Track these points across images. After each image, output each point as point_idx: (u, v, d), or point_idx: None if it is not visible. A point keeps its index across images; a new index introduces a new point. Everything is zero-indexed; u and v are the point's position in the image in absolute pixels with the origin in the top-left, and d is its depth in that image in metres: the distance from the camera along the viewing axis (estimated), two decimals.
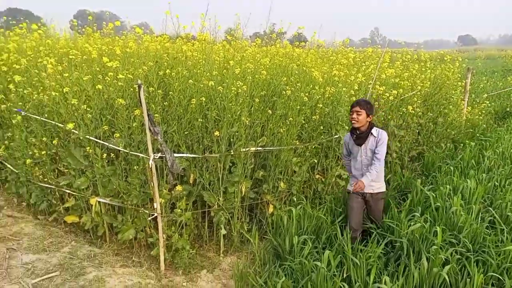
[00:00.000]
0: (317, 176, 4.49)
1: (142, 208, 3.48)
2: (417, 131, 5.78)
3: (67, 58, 4.09)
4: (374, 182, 3.46)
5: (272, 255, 3.54)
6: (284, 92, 3.82)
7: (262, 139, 3.92)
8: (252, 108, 3.69)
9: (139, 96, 2.98)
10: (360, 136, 3.44)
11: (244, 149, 3.60)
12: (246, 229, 3.90)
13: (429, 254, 2.92)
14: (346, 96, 4.31)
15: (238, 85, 3.35)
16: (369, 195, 3.50)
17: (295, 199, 4.09)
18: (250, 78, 3.61)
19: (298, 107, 3.83)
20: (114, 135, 3.38)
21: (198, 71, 3.71)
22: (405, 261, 2.99)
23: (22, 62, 3.95)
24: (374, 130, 3.44)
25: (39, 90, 3.63)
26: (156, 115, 3.33)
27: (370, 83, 4.82)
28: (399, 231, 3.35)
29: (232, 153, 3.57)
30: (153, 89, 3.53)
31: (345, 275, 2.84)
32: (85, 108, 3.32)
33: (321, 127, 4.25)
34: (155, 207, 3.25)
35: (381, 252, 3.27)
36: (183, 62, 3.88)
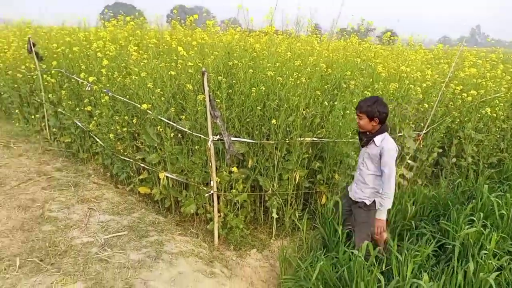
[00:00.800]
0: None
1: (202, 186, 3.81)
2: (499, 136, 5.36)
3: (151, 47, 4.59)
4: (358, 187, 3.12)
5: (320, 243, 3.64)
6: (344, 85, 3.86)
7: (321, 131, 4.02)
8: (311, 100, 3.80)
9: (203, 82, 3.28)
10: (361, 138, 3.08)
11: (299, 139, 3.74)
12: (298, 216, 4.04)
13: (480, 259, 2.80)
14: (414, 93, 4.20)
15: (296, 76, 3.48)
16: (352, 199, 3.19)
17: None
18: (309, 70, 3.71)
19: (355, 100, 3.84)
20: (182, 117, 3.75)
21: (262, 62, 3.92)
22: (453, 264, 2.89)
23: (112, 49, 4.54)
24: (377, 138, 2.95)
25: (124, 74, 4.15)
26: (218, 100, 3.60)
27: (444, 81, 4.60)
28: (453, 234, 3.23)
29: (287, 141, 3.73)
30: (221, 77, 3.83)
31: (384, 269, 2.85)
32: (159, 91, 3.74)
33: None
34: (211, 185, 3.56)
35: (433, 254, 3.21)
36: (250, 54, 4.12)
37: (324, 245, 3.59)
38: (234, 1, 4.77)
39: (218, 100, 3.61)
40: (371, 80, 4.06)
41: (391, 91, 4.16)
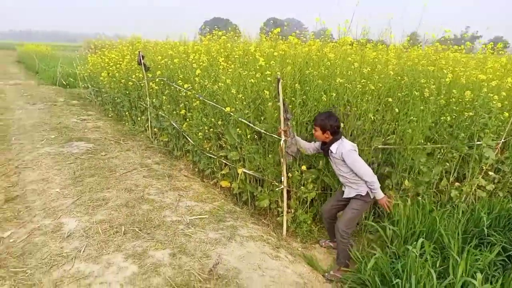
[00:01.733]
0: (452, 182, 4.41)
1: (275, 182, 4.22)
2: None
3: (237, 58, 5.18)
4: (349, 187, 3.47)
5: (381, 242, 3.79)
6: (416, 93, 3.97)
7: (391, 137, 4.17)
8: (380, 105, 3.99)
9: (277, 88, 3.70)
10: (323, 148, 3.54)
11: (371, 145, 3.95)
12: (364, 216, 4.21)
13: None
14: (493, 102, 4.12)
15: (363, 83, 3.73)
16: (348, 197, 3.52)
17: (420, 199, 4.16)
18: (377, 77, 3.91)
19: (432, 108, 3.92)
20: (260, 120, 4.22)
21: (335, 70, 4.22)
22: None
23: (204, 60, 5.23)
24: (332, 147, 3.39)
25: (213, 81, 4.77)
26: (290, 106, 3.99)
27: None
28: None
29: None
30: (297, 85, 4.22)
31: (439, 268, 2.94)
32: (241, 96, 4.26)
33: (460, 132, 4.18)
34: (282, 181, 3.95)
35: (500, 263, 3.19)
36: (324, 63, 4.44)
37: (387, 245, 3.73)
38: (326, 14, 5.08)
39: (290, 106, 4.00)
40: (445, 88, 4.10)
41: (467, 99, 4.14)
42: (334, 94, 3.93)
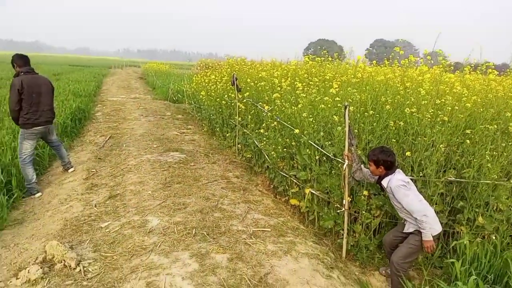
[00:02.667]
0: None
1: (338, 204, 4.34)
2: None
3: (314, 83, 5.45)
4: (408, 222, 3.48)
5: (444, 278, 3.65)
6: (495, 127, 3.78)
7: (467, 171, 3.99)
8: (452, 137, 3.88)
9: (345, 115, 3.88)
10: (378, 183, 3.60)
11: (439, 177, 3.85)
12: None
13: None
14: None
15: (432, 113, 3.69)
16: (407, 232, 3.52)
17: (493, 237, 3.89)
18: (450, 108, 3.82)
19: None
20: (327, 143, 4.41)
21: (406, 99, 4.23)
22: None
23: (286, 84, 5.61)
24: (384, 181, 3.48)
25: (291, 104, 5.11)
26: (356, 131, 4.11)
27: None
28: None
29: (420, 177, 3.90)
30: (368, 113, 4.33)
31: None
32: (312, 120, 4.51)
33: None
34: (343, 203, 4.06)
35: None
36: (398, 91, 4.47)
37: (449, 280, 3.57)
38: (438, 35, 5.01)
39: (356, 131, 4.12)
40: None
41: None
42: (402, 123, 3.95)
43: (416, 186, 3.95)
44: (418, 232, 3.39)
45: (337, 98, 4.33)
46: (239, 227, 4.20)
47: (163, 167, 6.27)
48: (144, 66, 41.83)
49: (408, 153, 3.88)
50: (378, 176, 3.61)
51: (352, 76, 5.34)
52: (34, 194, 5.42)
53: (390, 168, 3.47)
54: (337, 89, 4.54)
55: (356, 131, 4.21)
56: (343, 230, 4.35)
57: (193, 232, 3.97)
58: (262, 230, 4.17)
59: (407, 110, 3.93)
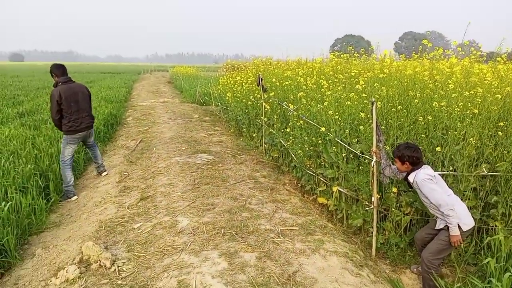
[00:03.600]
0: None
1: (367, 202, 4.29)
2: None
3: (339, 79, 5.39)
4: (439, 219, 3.41)
5: (479, 275, 3.54)
6: None
7: (502, 164, 3.85)
8: (484, 130, 3.75)
9: (372, 111, 3.83)
10: (405, 179, 3.56)
11: (471, 171, 3.74)
12: (463, 248, 3.95)
13: None
14: None
15: (462, 106, 3.58)
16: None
17: None
18: (479, 100, 3.70)
19: None
20: (354, 140, 4.36)
21: (438, 91, 4.12)
22: None
23: (311, 82, 5.59)
24: (410, 177, 3.45)
25: (316, 102, 5.09)
26: (383, 127, 4.05)
27: None
28: None
29: (450, 172, 3.79)
30: (395, 109, 4.25)
31: None
32: (338, 118, 4.48)
33: None
34: (372, 201, 4.01)
35: None
36: (427, 85, 4.36)
37: (484, 277, 3.46)
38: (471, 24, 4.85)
39: (383, 127, 4.05)
40: None
41: None
42: (430, 118, 3.85)
43: (447, 181, 3.85)
44: (448, 228, 3.31)
45: (364, 95, 4.28)
46: (267, 226, 4.22)
47: (192, 168, 6.39)
48: (172, 70, 42.65)
49: (438, 148, 3.79)
50: (405, 173, 3.54)
51: (379, 71, 5.25)
52: (70, 197, 5.66)
53: (416, 164, 3.42)
54: (363, 85, 4.49)
55: (384, 127, 4.15)
56: (372, 228, 4.30)
57: (222, 232, 4.04)
58: (290, 229, 4.18)
59: (436, 104, 3.83)
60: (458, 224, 3.26)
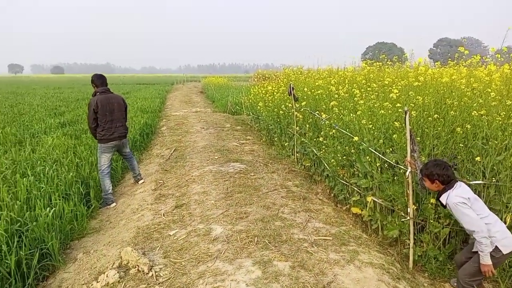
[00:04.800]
0: None
1: (403, 213, 4.20)
2: None
3: (373, 88, 5.34)
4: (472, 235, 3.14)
5: None
6: None
7: None
8: None
9: (405, 120, 3.77)
10: (437, 199, 3.37)
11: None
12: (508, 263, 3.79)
13: None
14: None
15: (504, 115, 3.47)
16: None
17: None
18: None
19: None
20: (388, 150, 4.30)
21: (477, 100, 4.01)
22: None
23: (344, 91, 5.57)
24: (442, 198, 3.23)
25: (348, 112, 5.07)
26: (418, 138, 3.97)
27: None
28: None
29: (495, 182, 3.66)
30: (431, 118, 4.16)
31: None
32: (370, 127, 4.44)
33: None
34: (408, 211, 3.92)
35: None
36: (464, 94, 4.25)
37: None
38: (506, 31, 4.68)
39: (418, 138, 3.98)
40: None
41: None
42: (469, 127, 3.75)
43: (489, 193, 3.73)
44: None
45: (398, 104, 4.22)
46: (300, 235, 4.22)
47: (225, 177, 6.48)
48: (204, 80, 43.49)
49: (477, 158, 3.67)
50: (437, 192, 3.39)
51: (414, 79, 5.16)
52: (109, 204, 5.88)
53: (447, 182, 3.22)
54: (397, 94, 4.43)
55: (419, 137, 4.07)
56: (409, 239, 4.20)
57: (255, 240, 4.07)
58: (324, 239, 4.15)
59: (475, 113, 3.72)
60: (496, 247, 3.08)
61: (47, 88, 33.07)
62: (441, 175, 3.20)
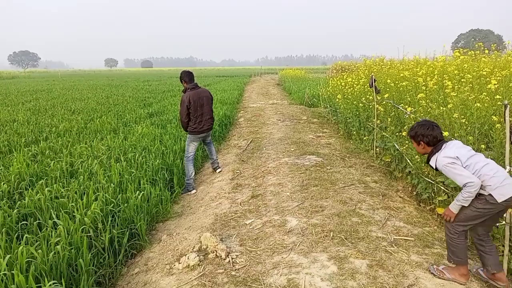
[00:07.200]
0: None
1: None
2: None
3: (468, 79, 4.88)
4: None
5: None
6: None
7: None
8: None
9: (504, 114, 3.39)
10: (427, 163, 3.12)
11: None
12: None
13: None
14: None
15: None
16: None
17: None
18: None
19: None
20: (482, 146, 3.91)
21: None
22: None
23: (433, 83, 5.17)
24: (431, 161, 3.00)
25: (438, 105, 4.70)
26: None
27: None
28: None
29: None
30: None
31: None
32: (463, 121, 4.06)
33: None
34: (504, 216, 3.53)
35: None
36: None
37: None
38: None
39: None
40: None
41: None
42: None
43: None
44: (479, 195, 2.89)
45: (497, 96, 3.81)
46: (379, 233, 4.04)
47: (300, 170, 6.44)
48: (281, 72, 43.60)
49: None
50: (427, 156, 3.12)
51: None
52: (190, 191, 6.20)
53: (433, 144, 2.96)
54: (496, 85, 3.99)
55: None
56: (503, 246, 3.80)
57: (331, 235, 3.99)
58: (404, 239, 3.93)
59: None
60: (490, 194, 2.84)
61: (137, 81, 35.79)
62: (426, 135, 2.99)
